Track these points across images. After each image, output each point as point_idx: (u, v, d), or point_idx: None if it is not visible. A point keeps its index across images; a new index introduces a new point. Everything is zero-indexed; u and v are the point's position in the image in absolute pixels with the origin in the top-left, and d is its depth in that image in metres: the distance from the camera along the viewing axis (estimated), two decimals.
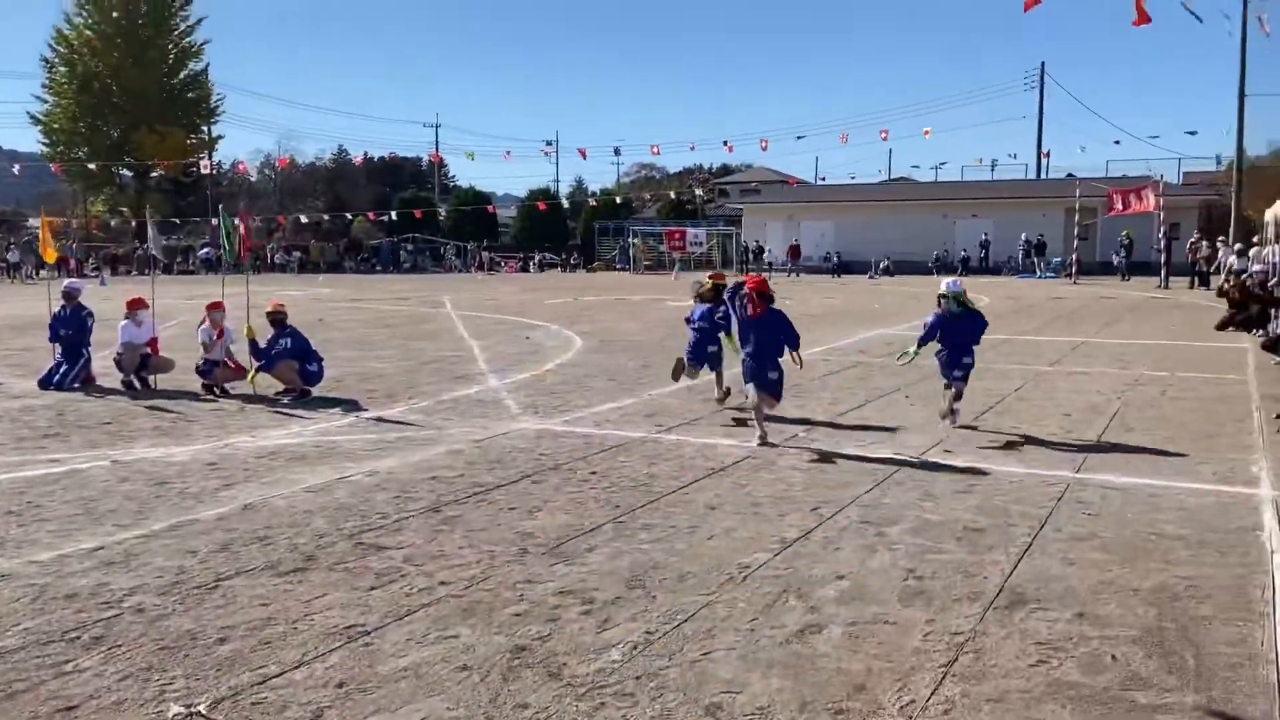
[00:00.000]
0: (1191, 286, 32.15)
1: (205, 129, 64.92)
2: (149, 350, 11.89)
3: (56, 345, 12.10)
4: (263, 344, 11.15)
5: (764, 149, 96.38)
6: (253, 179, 72.67)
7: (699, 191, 68.01)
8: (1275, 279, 15.97)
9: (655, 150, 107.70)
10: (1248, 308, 15.25)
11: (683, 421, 9.56)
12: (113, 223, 62.84)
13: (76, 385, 11.74)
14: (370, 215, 57.23)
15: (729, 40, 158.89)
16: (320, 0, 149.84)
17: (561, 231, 64.66)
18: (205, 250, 51.85)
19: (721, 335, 10.12)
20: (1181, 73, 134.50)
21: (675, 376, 10.47)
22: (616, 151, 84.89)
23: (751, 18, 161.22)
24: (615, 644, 4.34)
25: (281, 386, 11.05)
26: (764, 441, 8.41)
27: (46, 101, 60.15)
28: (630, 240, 55.48)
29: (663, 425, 9.35)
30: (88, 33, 59.92)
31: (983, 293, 9.94)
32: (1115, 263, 39.02)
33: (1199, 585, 5.04)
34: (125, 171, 61.97)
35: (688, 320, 10.59)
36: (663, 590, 4.99)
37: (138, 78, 59.19)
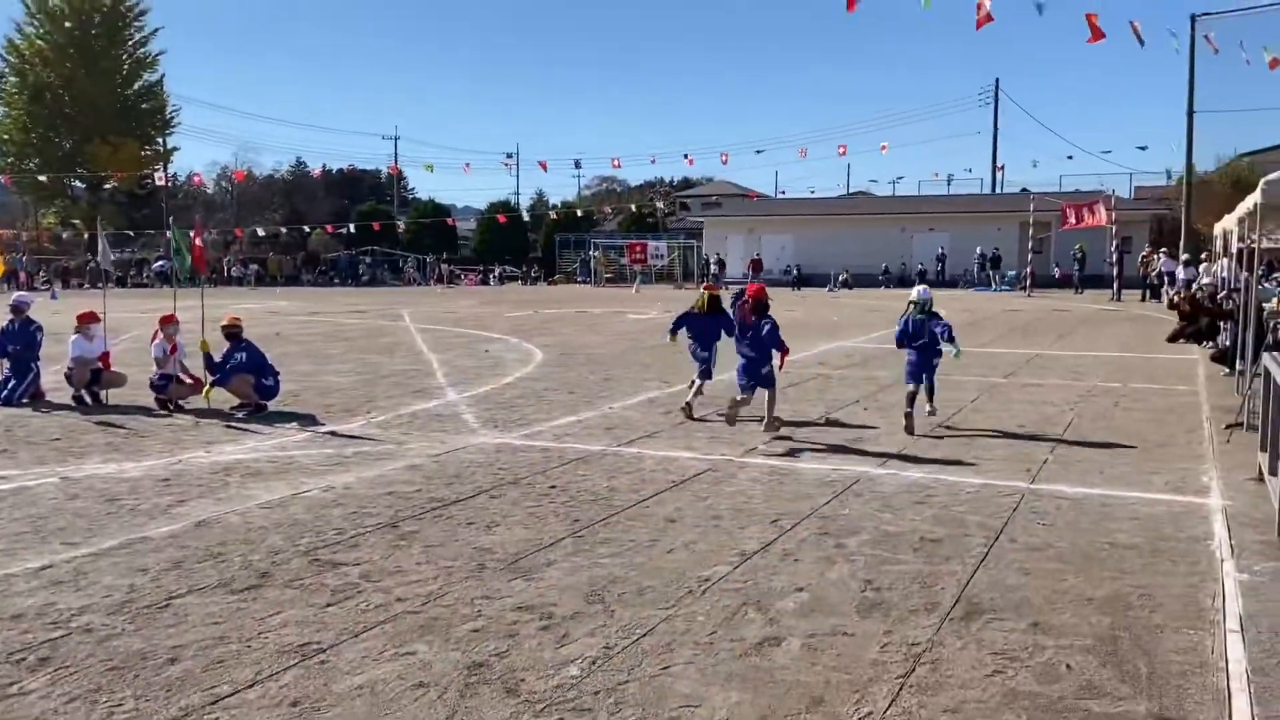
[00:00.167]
0: (1144, 299, 32.72)
1: (160, 141, 64.18)
2: (100, 365, 11.69)
3: (4, 360, 11.86)
4: (217, 358, 11.00)
5: (724, 162, 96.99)
6: (209, 191, 71.81)
7: (660, 204, 68.26)
8: (1224, 292, 16.29)
9: (616, 163, 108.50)
10: (1198, 320, 15.54)
11: (643, 435, 9.55)
12: (64, 235, 61.80)
13: (25, 401, 11.51)
14: (328, 228, 56.81)
15: (689, 54, 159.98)
16: (278, 12, 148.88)
17: (522, 244, 64.58)
18: (160, 263, 51.14)
19: (717, 344, 10.66)
20: (1132, 89, 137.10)
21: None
22: (577, 164, 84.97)
23: (711, 33, 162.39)
24: (574, 659, 4.31)
25: (237, 401, 10.91)
26: (776, 428, 9.32)
27: None
28: (591, 253, 55.53)
29: (623, 439, 9.34)
30: (39, 42, 59.09)
31: (939, 305, 10.23)
32: (1059, 274, 39.66)
33: (1151, 594, 5.11)
34: (77, 183, 61.08)
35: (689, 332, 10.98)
36: (622, 604, 4.98)
37: (90, 88, 58.44)
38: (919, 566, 5.56)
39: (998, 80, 67.73)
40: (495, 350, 17.70)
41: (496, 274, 57.88)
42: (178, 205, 60.08)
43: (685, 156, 62.15)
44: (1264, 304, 11.62)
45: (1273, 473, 6.74)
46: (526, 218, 63.93)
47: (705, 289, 11.25)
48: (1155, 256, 34.37)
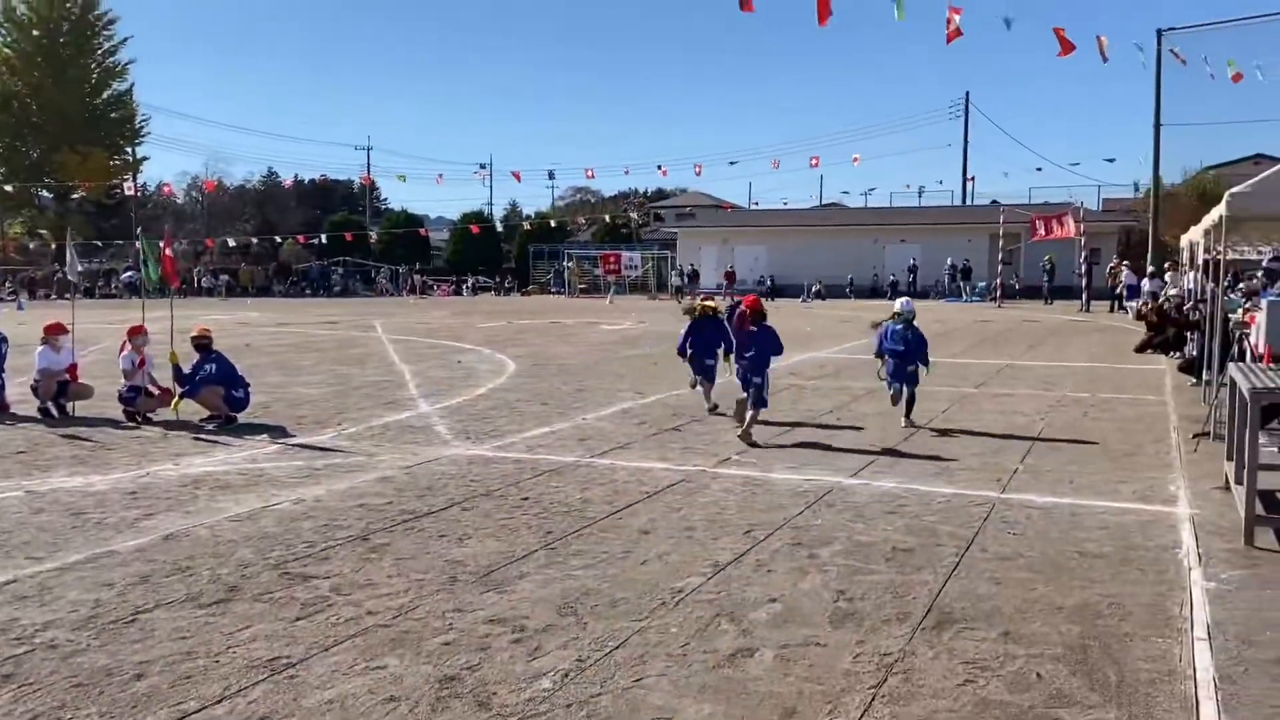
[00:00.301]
0: (1112, 310, 33.07)
1: (129, 150, 63.64)
2: (67, 377, 11.54)
3: None
4: (187, 369, 10.90)
5: (698, 173, 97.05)
6: (179, 201, 71.22)
7: (634, 215, 68.32)
8: (1190, 303, 16.49)
9: (590, 174, 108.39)
10: (1165, 331, 15.70)
11: (616, 446, 9.54)
12: (31, 245, 61.14)
13: None
14: (300, 238, 56.47)
15: (663, 65, 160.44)
16: (250, 22, 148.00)
17: (495, 255, 64.50)
18: (128, 274, 50.68)
19: (719, 351, 11.34)
20: (1100, 102, 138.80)
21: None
22: (551, 175, 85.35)
23: (684, 45, 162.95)
24: (546, 672, 4.29)
25: (206, 413, 10.81)
26: (748, 440, 9.46)
27: None
28: (565, 264, 55.52)
29: (596, 450, 9.32)
30: (6, 50, 58.56)
31: None
32: (999, 285, 39.97)
33: (1120, 603, 5.15)
34: (45, 193, 60.44)
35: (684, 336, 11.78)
36: (594, 617, 4.96)
37: (58, 97, 57.92)
38: (891, 576, 5.58)
39: (968, 93, 68.71)
40: (468, 361, 17.64)
41: (469, 285, 57.75)
42: (147, 215, 59.64)
43: (659, 167, 62.75)
44: (1229, 315, 11.76)
45: (1239, 481, 6.82)
46: (500, 228, 63.78)
47: (701, 299, 12.30)
48: (1120, 269, 34.79)
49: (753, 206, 67.18)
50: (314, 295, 54.10)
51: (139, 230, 13.47)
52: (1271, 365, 8.40)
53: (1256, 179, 9.57)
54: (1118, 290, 33.77)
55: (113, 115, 62.51)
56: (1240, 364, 8.36)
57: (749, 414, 9.68)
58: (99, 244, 55.68)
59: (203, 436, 10.13)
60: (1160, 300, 20.15)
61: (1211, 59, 24.73)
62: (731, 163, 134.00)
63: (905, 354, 10.50)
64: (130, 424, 10.83)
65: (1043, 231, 37.71)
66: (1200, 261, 14.52)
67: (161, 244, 12.52)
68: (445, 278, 59.91)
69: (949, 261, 45.88)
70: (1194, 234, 14.61)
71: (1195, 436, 9.64)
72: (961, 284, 44.92)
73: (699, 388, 11.76)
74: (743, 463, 8.72)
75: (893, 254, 50.15)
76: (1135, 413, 11.57)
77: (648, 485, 7.84)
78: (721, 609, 5.06)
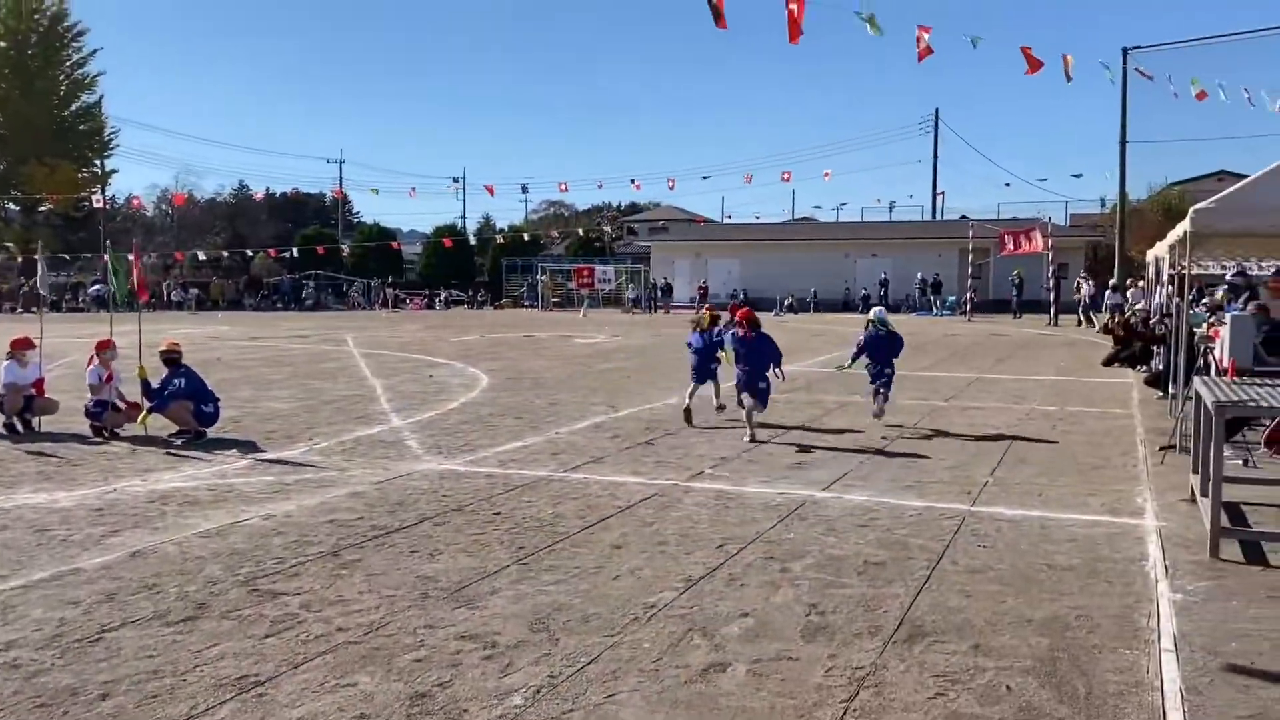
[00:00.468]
0: (1079, 324, 33.43)
1: (98, 163, 63.03)
2: (34, 391, 11.39)
3: None
4: (155, 384, 10.79)
5: (671, 188, 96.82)
6: (149, 214, 70.56)
7: (608, 229, 68.42)
8: (1157, 317, 16.70)
9: (563, 187, 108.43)
10: (1132, 345, 15.89)
11: (589, 460, 9.53)
12: None
13: None
14: (271, 251, 56.05)
15: (636, 81, 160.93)
16: (222, 34, 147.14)
17: (468, 268, 64.31)
18: (96, 287, 50.14)
19: (720, 353, 11.91)
20: (1068, 119, 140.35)
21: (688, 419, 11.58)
22: (524, 189, 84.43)
23: (657, 60, 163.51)
24: (518, 689, 4.27)
25: (175, 428, 10.71)
26: (753, 440, 10.38)
27: None
28: (539, 277, 55.49)
29: (569, 464, 9.31)
30: None
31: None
32: (973, 298, 40.31)
33: (1089, 615, 5.20)
34: (11, 205, 59.74)
35: (689, 345, 12.43)
36: (566, 632, 4.95)
37: (26, 108, 57.32)
38: (863, 590, 5.61)
39: (937, 110, 69.18)
40: (440, 375, 17.57)
41: (442, 298, 57.55)
42: (116, 228, 59.07)
43: (632, 181, 62.14)
44: (1194, 329, 11.91)
45: (1204, 494, 6.90)
46: (473, 242, 63.63)
47: (707, 310, 13.22)
48: (1082, 283, 35.25)
49: (725, 220, 67.45)
50: (285, 309, 53.74)
51: (107, 243, 13.33)
52: (1235, 379, 8.53)
53: (1220, 195, 9.74)
54: (1080, 301, 34.19)
55: (81, 127, 61.91)
56: (1205, 378, 8.47)
57: (754, 416, 10.70)
58: (66, 257, 55.03)
59: (171, 452, 10.03)
60: (1127, 314, 20.41)
61: (1175, 78, 25.07)
62: (704, 177, 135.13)
63: (888, 358, 11.50)
64: (97, 439, 10.70)
65: (1011, 246, 38.13)
66: (1166, 276, 14.72)
67: (130, 257, 12.41)
68: (418, 291, 59.67)
69: (919, 276, 46.26)
70: (1159, 249, 14.82)
71: (1162, 449, 9.75)
72: (932, 298, 45.30)
73: (696, 397, 11.93)
74: (715, 476, 8.74)
75: (864, 268, 50.49)
76: (1103, 426, 11.69)
77: (620, 499, 7.83)
78: (694, 624, 5.06)
